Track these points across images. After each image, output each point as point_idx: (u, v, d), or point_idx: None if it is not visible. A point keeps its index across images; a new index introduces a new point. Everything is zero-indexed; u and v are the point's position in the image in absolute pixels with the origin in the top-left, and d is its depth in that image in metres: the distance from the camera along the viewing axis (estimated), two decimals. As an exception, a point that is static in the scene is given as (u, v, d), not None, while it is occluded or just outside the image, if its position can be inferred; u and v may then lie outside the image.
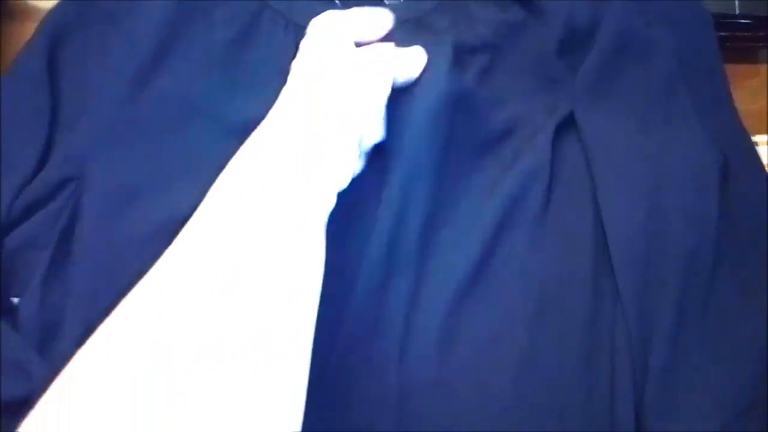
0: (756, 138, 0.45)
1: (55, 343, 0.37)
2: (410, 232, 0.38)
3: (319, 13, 0.43)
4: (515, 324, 0.38)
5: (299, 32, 0.42)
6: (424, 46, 0.41)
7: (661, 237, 0.38)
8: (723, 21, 0.45)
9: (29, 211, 0.39)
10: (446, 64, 0.40)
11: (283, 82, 0.41)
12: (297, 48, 0.41)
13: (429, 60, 0.40)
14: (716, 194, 0.39)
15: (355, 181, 0.37)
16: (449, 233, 0.39)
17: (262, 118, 0.40)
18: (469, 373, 0.37)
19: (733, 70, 0.44)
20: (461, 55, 0.42)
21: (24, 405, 0.35)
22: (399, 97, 0.39)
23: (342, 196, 0.35)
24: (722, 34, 0.45)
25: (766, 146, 0.46)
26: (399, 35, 0.42)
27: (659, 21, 0.42)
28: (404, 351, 0.37)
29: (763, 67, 0.50)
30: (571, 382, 0.37)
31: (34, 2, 0.48)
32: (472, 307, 0.38)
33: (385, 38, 0.42)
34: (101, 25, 0.43)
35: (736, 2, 0.46)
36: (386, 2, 0.45)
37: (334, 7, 0.44)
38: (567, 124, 0.42)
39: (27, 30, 0.42)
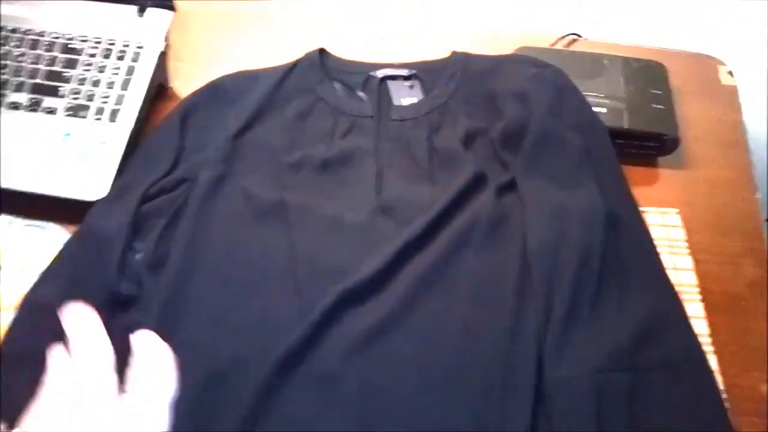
0: (648, 208, 0.65)
1: (159, 271, 0.58)
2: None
3: (355, 107, 0.69)
4: (462, 308, 0.56)
5: (338, 116, 0.68)
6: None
7: (561, 253, 0.57)
8: (616, 132, 0.67)
9: (159, 194, 0.63)
10: None
11: (324, 142, 0.66)
12: (336, 122, 0.67)
13: None
14: (601, 228, 0.58)
15: None
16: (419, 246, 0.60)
17: (311, 158, 0.64)
18: (422, 339, 0.54)
19: (631, 171, 0.66)
20: (444, 139, 0.66)
21: (133, 302, 0.57)
22: None
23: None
24: (618, 141, 0.67)
25: (655, 213, 0.66)
26: (399, 130, 0.67)
27: (570, 126, 0.65)
28: (372, 313, 0.55)
29: (655, 170, 0.71)
30: (501, 346, 0.53)
31: (178, 92, 0.76)
32: (430, 294, 0.56)
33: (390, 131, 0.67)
34: (219, 104, 0.70)
35: (625, 120, 0.69)
36: (402, 103, 0.69)
37: (361, 101, 0.69)
38: (509, 186, 0.63)
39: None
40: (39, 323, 0.55)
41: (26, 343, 0.55)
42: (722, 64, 0.80)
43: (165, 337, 0.53)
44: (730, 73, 0.79)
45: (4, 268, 0.60)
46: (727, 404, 0.52)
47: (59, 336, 0.54)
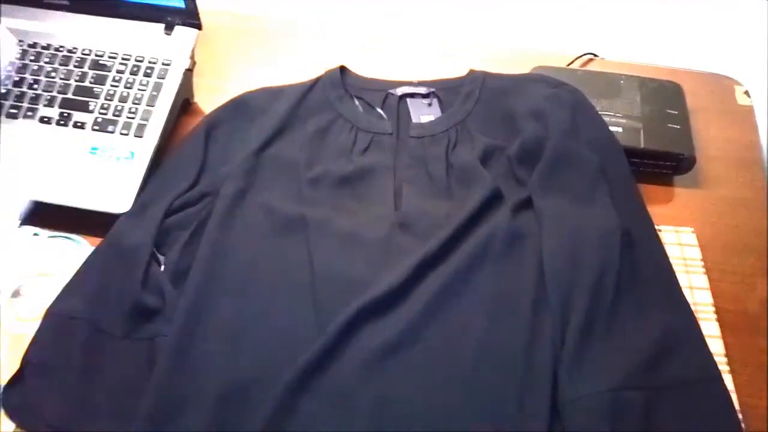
0: (663, 227, 0.66)
1: (182, 283, 0.60)
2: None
3: (374, 124, 0.70)
4: (478, 323, 0.57)
5: (358, 132, 0.70)
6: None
7: (577, 270, 0.58)
8: (632, 151, 0.68)
9: (183, 207, 0.65)
10: None
11: (343, 158, 0.67)
12: (356, 139, 0.69)
13: None
14: (617, 247, 0.59)
15: None
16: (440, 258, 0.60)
17: (330, 173, 0.65)
18: (439, 354, 0.55)
19: (647, 189, 0.67)
20: (462, 157, 0.67)
21: (156, 313, 0.58)
22: None
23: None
24: (634, 160, 0.68)
25: (670, 232, 0.67)
26: (418, 147, 0.68)
27: (586, 145, 0.66)
28: (388, 327, 0.56)
29: (671, 189, 0.72)
30: (516, 363, 0.54)
31: (202, 107, 0.78)
32: (447, 309, 0.57)
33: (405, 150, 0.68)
34: (242, 120, 0.72)
35: (642, 139, 0.70)
36: (421, 121, 0.71)
37: (381, 118, 0.71)
38: (526, 203, 0.64)
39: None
40: (63, 334, 0.57)
41: (50, 354, 0.56)
42: (739, 84, 0.81)
43: (185, 348, 0.56)
44: (747, 93, 0.79)
45: (28, 279, 0.62)
46: (742, 424, 0.52)
47: (82, 347, 0.56)
